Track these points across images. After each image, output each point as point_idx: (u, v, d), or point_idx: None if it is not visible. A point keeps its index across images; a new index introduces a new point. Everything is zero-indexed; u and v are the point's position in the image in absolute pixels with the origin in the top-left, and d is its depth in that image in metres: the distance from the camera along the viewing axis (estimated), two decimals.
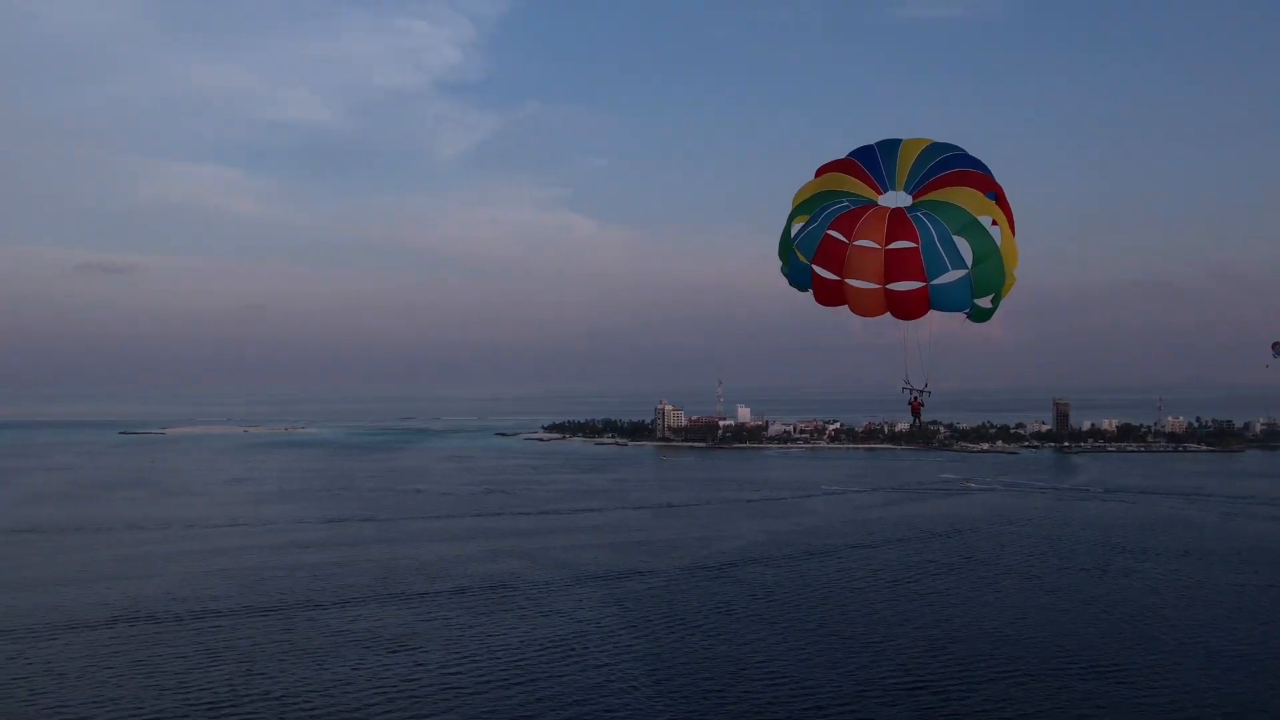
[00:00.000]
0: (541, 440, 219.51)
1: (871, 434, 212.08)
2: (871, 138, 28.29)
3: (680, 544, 75.48)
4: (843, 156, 30.30)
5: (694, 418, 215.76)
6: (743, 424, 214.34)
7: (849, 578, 63.42)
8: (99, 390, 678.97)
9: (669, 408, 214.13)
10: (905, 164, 28.42)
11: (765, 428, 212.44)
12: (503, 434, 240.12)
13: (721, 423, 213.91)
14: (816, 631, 50.25)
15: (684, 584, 60.77)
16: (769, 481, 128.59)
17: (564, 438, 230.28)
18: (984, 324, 26.93)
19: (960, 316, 27.18)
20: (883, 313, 27.83)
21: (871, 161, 29.07)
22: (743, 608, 54.87)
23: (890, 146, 28.75)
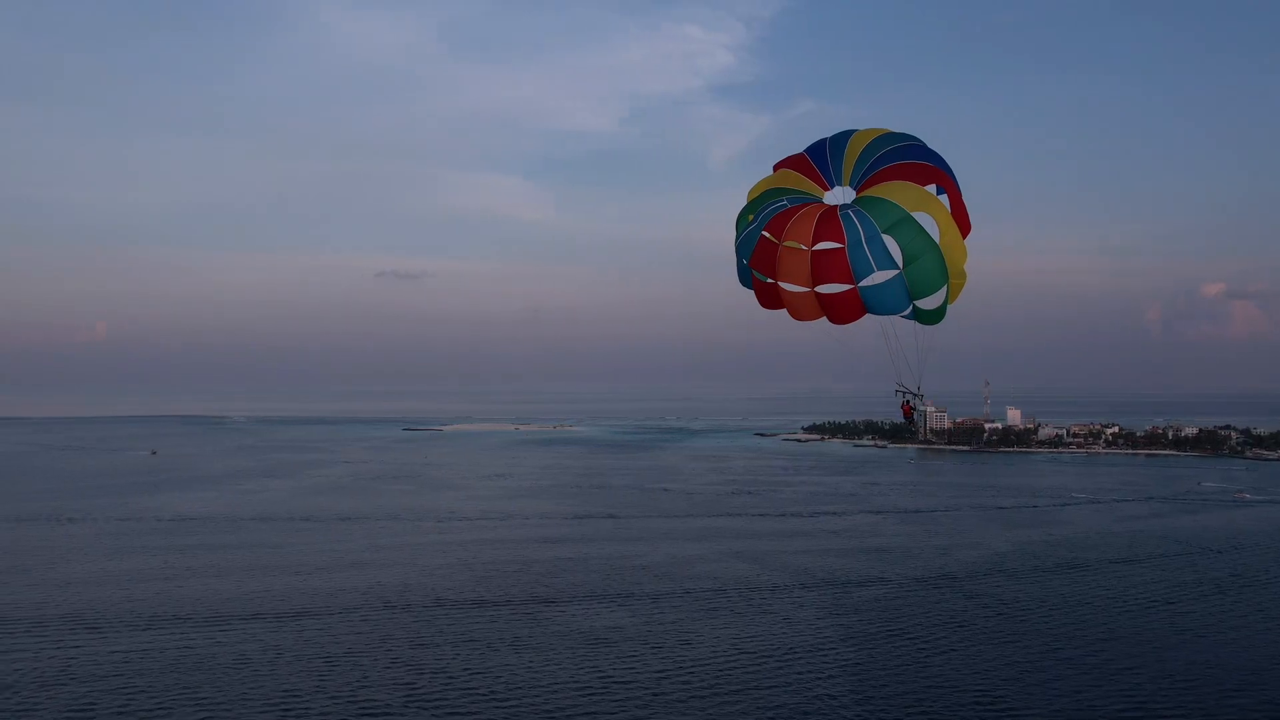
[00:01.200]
0: (799, 441, 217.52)
1: (1154, 439, 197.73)
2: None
3: (918, 551, 72.51)
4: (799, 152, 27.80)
5: (958, 420, 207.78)
6: (1010, 427, 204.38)
7: (1097, 596, 58.76)
8: (389, 388, 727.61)
9: (932, 409, 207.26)
10: (851, 158, 25.99)
11: (1035, 431, 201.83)
12: (761, 434, 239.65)
13: (987, 425, 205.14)
14: (1046, 654, 46.82)
15: (914, 594, 58.22)
16: (1028, 488, 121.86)
17: (823, 439, 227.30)
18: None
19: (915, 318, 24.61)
20: (818, 316, 25.46)
21: (820, 157, 26.72)
22: (971, 623, 51.88)
23: (841, 140, 26.38)
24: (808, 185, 26.71)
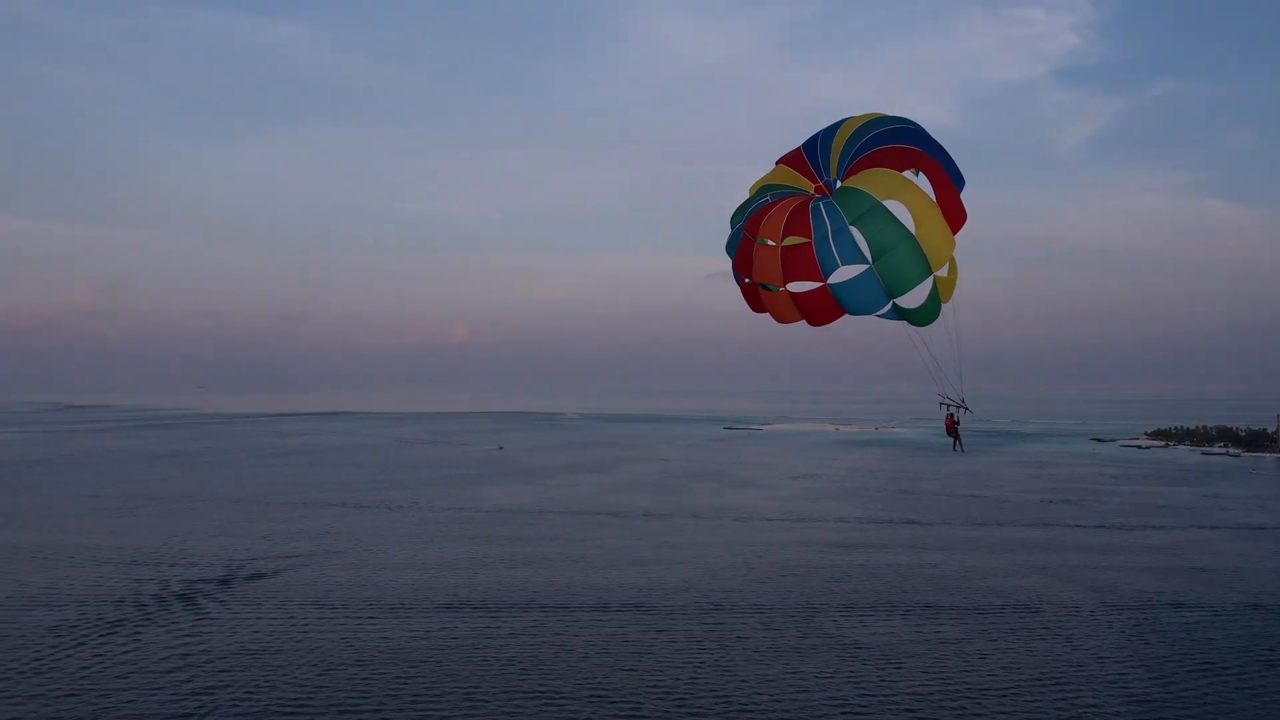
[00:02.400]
0: (1140, 447, 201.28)
1: None
2: None
3: (1251, 574, 65.01)
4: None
5: None
6: None
7: None
8: (716, 387, 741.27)
9: None
10: (838, 148, 22.93)
11: None
12: (1098, 439, 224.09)
13: None
14: None
15: (1235, 623, 52.21)
16: None
17: (1167, 445, 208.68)
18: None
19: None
20: (797, 319, 22.55)
21: (813, 149, 23.88)
22: None
23: (832, 130, 23.14)
24: (799, 180, 24.78)
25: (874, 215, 22.39)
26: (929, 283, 23.61)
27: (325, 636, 47.47)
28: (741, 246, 24.79)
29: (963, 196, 26.97)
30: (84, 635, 47.51)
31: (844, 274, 22.76)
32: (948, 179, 23.83)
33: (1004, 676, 42.47)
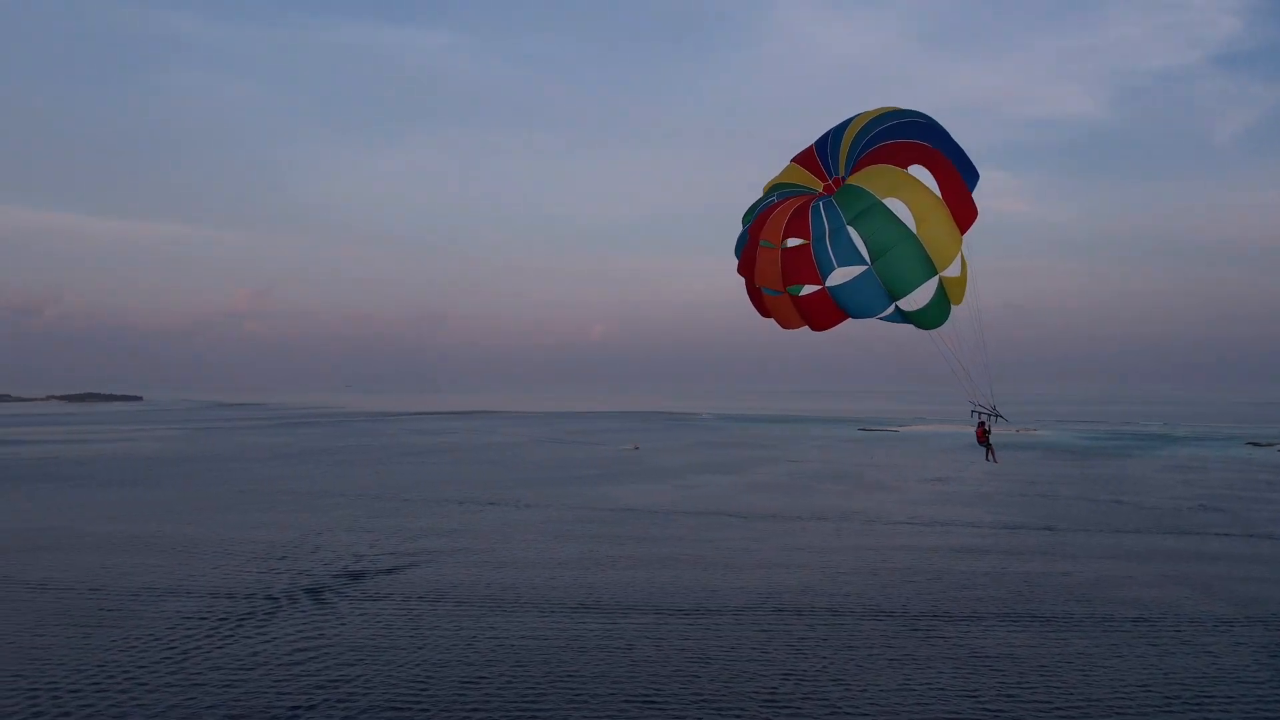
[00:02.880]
0: None
1: None
2: None
3: None
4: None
5: None
6: None
7: None
8: (851, 388, 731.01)
9: None
10: (847, 143, 21.01)
11: None
12: (1254, 443, 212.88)
13: None
14: None
15: None
16: None
17: None
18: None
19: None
20: (800, 324, 20.78)
21: (823, 146, 21.88)
22: None
23: (844, 126, 21.10)
24: (808, 179, 23.40)
25: (872, 214, 21.14)
26: (934, 284, 22.29)
27: (440, 634, 48.17)
28: (746, 249, 23.96)
29: (977, 193, 25.61)
30: (214, 627, 49.23)
31: (842, 276, 21.68)
32: (956, 174, 22.35)
33: (1134, 695, 40.54)
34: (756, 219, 23.67)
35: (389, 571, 63.19)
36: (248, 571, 63.07)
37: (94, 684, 39.91)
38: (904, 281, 21.78)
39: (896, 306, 22.53)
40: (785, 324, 23.79)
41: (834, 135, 24.04)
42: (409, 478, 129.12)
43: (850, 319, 23.29)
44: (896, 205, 22.14)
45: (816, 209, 22.15)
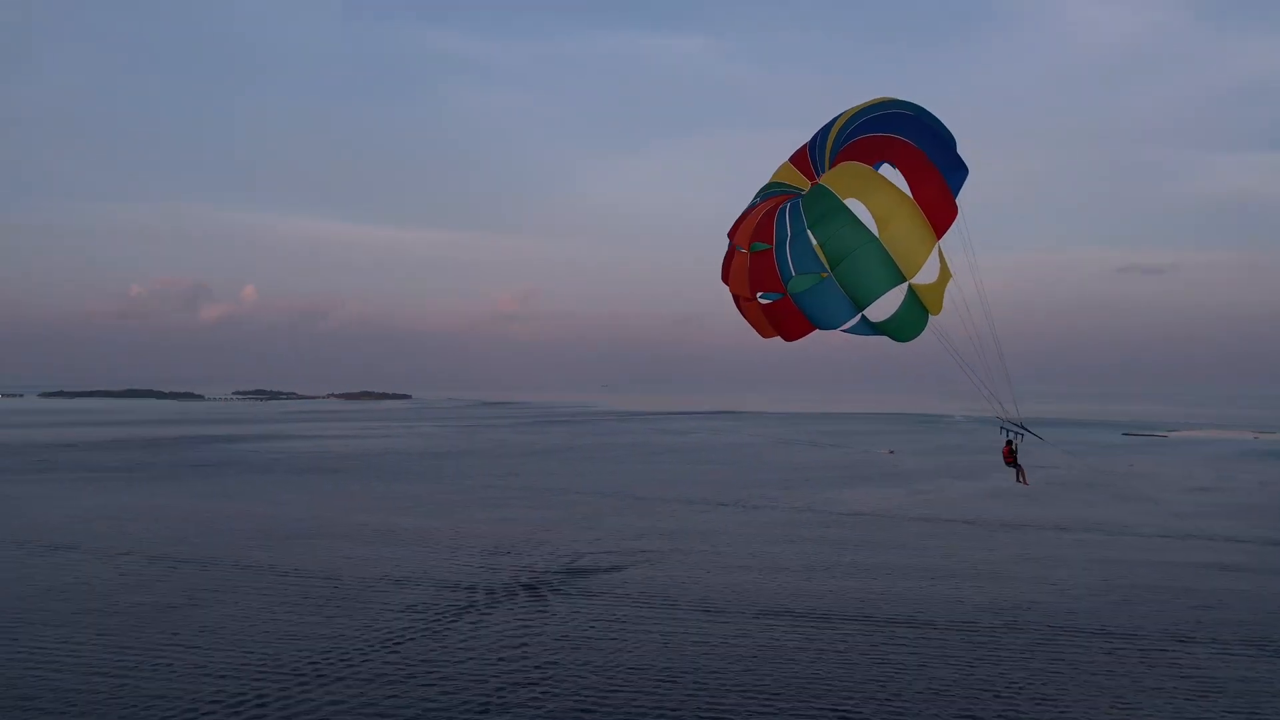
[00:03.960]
0: None
1: None
2: None
3: None
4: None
5: None
6: None
7: None
8: (1120, 389, 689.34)
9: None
10: (831, 141, 17.86)
11: None
12: None
13: None
14: None
15: None
16: None
17: None
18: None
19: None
20: (773, 333, 17.84)
21: (814, 142, 18.55)
22: None
23: (835, 119, 17.86)
24: (798, 179, 21.04)
25: (831, 217, 19.02)
26: (902, 291, 19.88)
27: (642, 634, 48.68)
28: (727, 253, 22.49)
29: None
30: (434, 618, 51.52)
31: (805, 283, 19.71)
32: (934, 172, 19.73)
33: None
34: (735, 222, 22.36)
35: (607, 570, 64.39)
36: (475, 565, 65.72)
37: (313, 665, 42.60)
38: (866, 290, 19.84)
39: (864, 317, 20.67)
40: (761, 332, 22.40)
41: (823, 131, 22.16)
42: (644, 476, 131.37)
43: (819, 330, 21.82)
44: (859, 207, 20.22)
45: (783, 212, 20.66)
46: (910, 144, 20.58)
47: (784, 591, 58.16)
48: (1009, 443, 28.47)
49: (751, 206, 23.25)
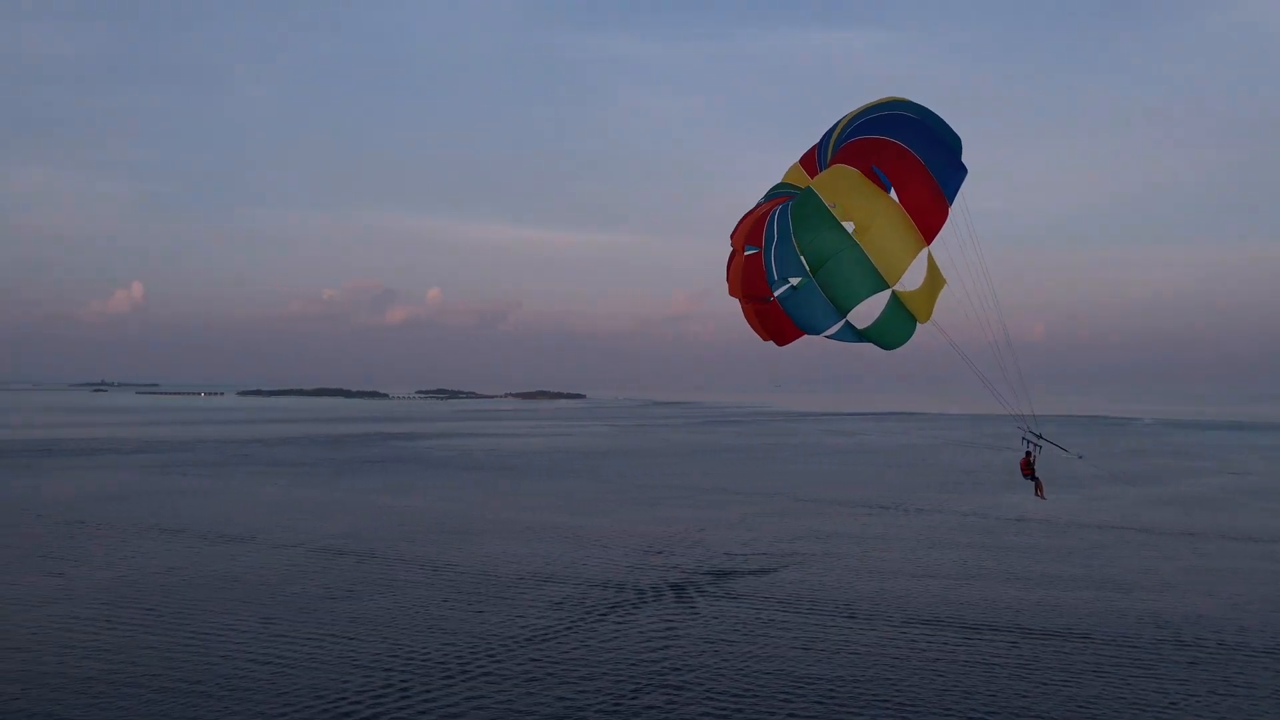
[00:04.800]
0: None
1: None
2: None
3: None
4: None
5: None
6: None
7: None
8: None
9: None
10: (833, 142, 15.78)
11: None
12: None
13: None
14: None
15: None
16: None
17: None
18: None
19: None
20: (767, 337, 16.12)
21: (821, 143, 16.63)
22: None
23: (839, 122, 15.91)
24: (803, 179, 19.48)
25: (814, 221, 17.89)
26: (885, 297, 18.49)
27: (783, 638, 48.31)
28: (730, 256, 21.61)
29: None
30: (581, 615, 52.35)
31: (784, 289, 18.61)
32: (925, 175, 18.25)
33: None
34: (737, 223, 21.60)
35: (756, 572, 64.16)
36: (626, 564, 66.43)
37: (458, 659, 43.87)
38: (846, 295, 18.77)
39: (849, 323, 19.60)
40: (760, 335, 21.55)
41: (828, 132, 21.13)
42: (807, 478, 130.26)
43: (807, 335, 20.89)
44: (836, 211, 19.27)
45: (774, 215, 19.81)
46: (902, 146, 19.71)
47: (934, 599, 56.77)
48: (1028, 454, 26.84)
49: (755, 207, 22.81)
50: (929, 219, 19.82)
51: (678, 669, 43.04)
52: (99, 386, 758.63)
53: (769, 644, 47.30)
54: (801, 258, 20.29)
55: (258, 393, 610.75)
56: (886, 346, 21.20)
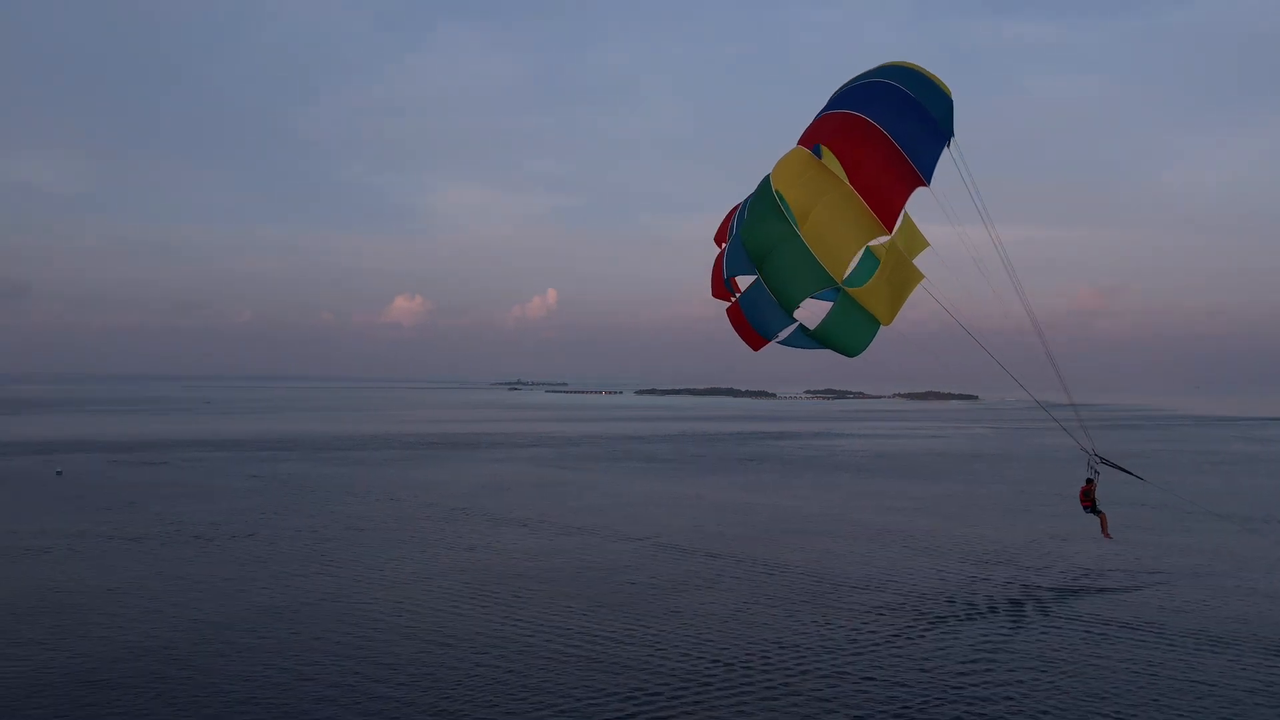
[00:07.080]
0: None
1: None
2: None
3: None
4: None
5: None
6: None
7: None
8: None
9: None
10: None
11: None
12: None
13: None
14: None
15: None
16: None
17: None
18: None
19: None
20: (748, 342, 10.52)
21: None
22: None
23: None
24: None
25: (758, 210, 14.08)
26: (826, 294, 14.08)
27: (1111, 666, 44.20)
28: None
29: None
30: (904, 625, 50.72)
31: (743, 284, 14.96)
32: (892, 153, 13.66)
33: None
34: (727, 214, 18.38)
35: (1111, 590, 59.36)
36: (966, 574, 63.68)
37: (763, 657, 44.07)
38: (787, 293, 15.07)
39: (802, 326, 15.78)
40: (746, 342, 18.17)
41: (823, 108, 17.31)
42: (1196, 488, 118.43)
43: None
44: (782, 201, 15.45)
45: (743, 207, 16.46)
46: (868, 121, 16.51)
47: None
48: (1089, 480, 22.07)
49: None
50: (888, 209, 16.98)
51: (984, 701, 40.47)
52: (514, 385, 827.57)
53: (1088, 671, 43.47)
54: (746, 253, 18.10)
55: (652, 391, 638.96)
56: (845, 353, 18.40)
